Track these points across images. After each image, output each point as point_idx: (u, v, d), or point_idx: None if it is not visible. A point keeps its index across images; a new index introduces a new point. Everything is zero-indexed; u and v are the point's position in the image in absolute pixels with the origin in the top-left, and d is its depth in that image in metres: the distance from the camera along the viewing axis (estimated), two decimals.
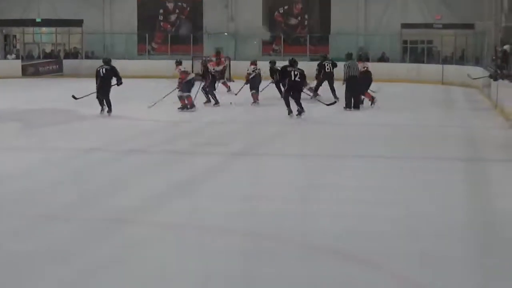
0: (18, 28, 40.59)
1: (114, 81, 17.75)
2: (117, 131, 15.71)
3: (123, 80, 18.24)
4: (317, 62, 22.92)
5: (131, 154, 12.52)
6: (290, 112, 16.65)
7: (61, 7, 39.02)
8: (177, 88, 18.91)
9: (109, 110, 17.01)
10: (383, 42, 36.82)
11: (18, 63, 36.85)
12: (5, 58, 38.11)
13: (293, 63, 17.09)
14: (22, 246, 6.72)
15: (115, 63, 27.50)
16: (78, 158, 12.11)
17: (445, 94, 26.62)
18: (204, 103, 20.07)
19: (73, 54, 38.47)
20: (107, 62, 18.34)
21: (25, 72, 35.66)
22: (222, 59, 24.08)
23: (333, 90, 21.06)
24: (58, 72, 35.93)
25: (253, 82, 20.52)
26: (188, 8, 39.52)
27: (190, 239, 7.10)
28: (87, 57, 38.20)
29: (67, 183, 10.03)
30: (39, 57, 37.97)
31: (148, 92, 20.28)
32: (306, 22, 38.29)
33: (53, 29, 40.65)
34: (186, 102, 18.52)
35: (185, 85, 18.66)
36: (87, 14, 39.25)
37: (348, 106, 18.61)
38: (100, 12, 39.71)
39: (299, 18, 38.51)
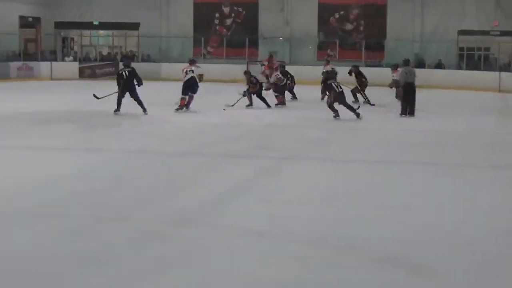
0: (75, 31, 41.24)
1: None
2: (171, 133, 15.83)
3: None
4: (354, 71, 23.42)
5: (185, 156, 12.65)
6: (337, 115, 17.24)
7: (118, 10, 39.47)
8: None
9: (144, 110, 17.41)
10: (440, 49, 36.56)
11: (75, 65, 37.23)
12: (62, 60, 38.55)
13: (334, 75, 18.29)
14: (77, 247, 6.79)
15: (172, 66, 28.00)
16: (133, 160, 12.28)
17: (502, 102, 26.37)
18: (246, 105, 20.27)
19: (129, 57, 38.49)
20: (127, 64, 18.81)
21: (82, 74, 36.15)
22: (275, 63, 24.11)
23: (367, 97, 21.99)
24: (114, 74, 34.76)
25: (282, 88, 21.15)
26: (244, 12, 39.73)
27: (241, 243, 7.10)
28: (143, 60, 38.29)
29: (123, 184, 10.16)
30: (96, 60, 38.45)
31: (201, 95, 20.50)
32: (362, 28, 38.14)
33: (110, 32, 41.41)
34: (185, 102, 18.87)
35: (184, 86, 19.00)
36: (144, 17, 39.53)
37: (403, 112, 18.65)
38: (157, 16, 40.02)
39: (355, 23, 38.41)
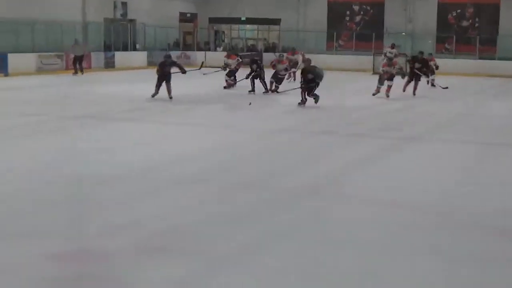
0: (226, 25, 43.53)
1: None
2: (306, 115, 16.17)
3: None
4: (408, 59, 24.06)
5: (318, 134, 13.01)
6: (303, 103, 16.89)
7: (262, 7, 41.02)
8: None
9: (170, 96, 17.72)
10: None
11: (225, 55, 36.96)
12: (215, 50, 40.47)
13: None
14: (222, 208, 7.26)
15: (307, 56, 28.44)
16: (272, 137, 12.71)
17: None
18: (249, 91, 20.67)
19: (271, 48, 39.31)
20: (168, 56, 19.03)
21: None
22: (284, 59, 23.15)
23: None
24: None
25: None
26: (371, 11, 40.51)
27: (360, 211, 7.25)
28: (283, 50, 36.67)
29: (263, 157, 10.56)
30: (243, 50, 39.77)
31: (333, 82, 21.61)
32: (476, 25, 38.38)
33: (255, 26, 42.80)
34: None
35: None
36: (284, 14, 40.91)
37: None
38: (295, 12, 41.37)
39: (470, 21, 38.66)
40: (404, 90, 21.19)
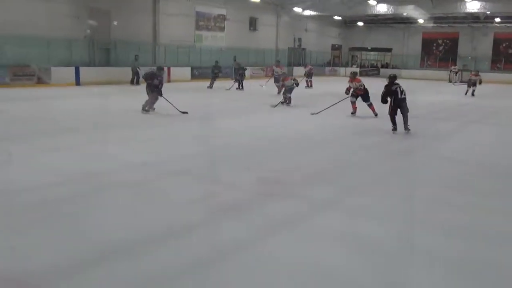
0: (358, 52, 51.65)
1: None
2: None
3: None
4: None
5: (411, 117, 12.91)
6: (395, 129, 12.67)
7: (381, 40, 48.34)
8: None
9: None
10: None
11: (358, 69, 44.72)
12: (351, 66, 47.40)
13: (394, 79, 12.55)
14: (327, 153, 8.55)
15: (408, 71, 38.26)
16: (363, 121, 13.90)
17: None
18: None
19: (385, 66, 46.73)
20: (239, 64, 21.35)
21: (361, 74, 40.36)
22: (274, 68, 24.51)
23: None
24: (377, 75, 42.59)
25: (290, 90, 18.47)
26: (450, 43, 46.18)
27: (434, 162, 8.56)
28: (392, 67, 45.68)
29: (370, 133, 11.79)
30: (368, 67, 46.99)
31: (420, 88, 24.32)
32: None
33: (376, 52, 50.00)
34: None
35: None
36: (394, 44, 47.99)
37: None
38: (401, 44, 48.35)
39: None
40: None
